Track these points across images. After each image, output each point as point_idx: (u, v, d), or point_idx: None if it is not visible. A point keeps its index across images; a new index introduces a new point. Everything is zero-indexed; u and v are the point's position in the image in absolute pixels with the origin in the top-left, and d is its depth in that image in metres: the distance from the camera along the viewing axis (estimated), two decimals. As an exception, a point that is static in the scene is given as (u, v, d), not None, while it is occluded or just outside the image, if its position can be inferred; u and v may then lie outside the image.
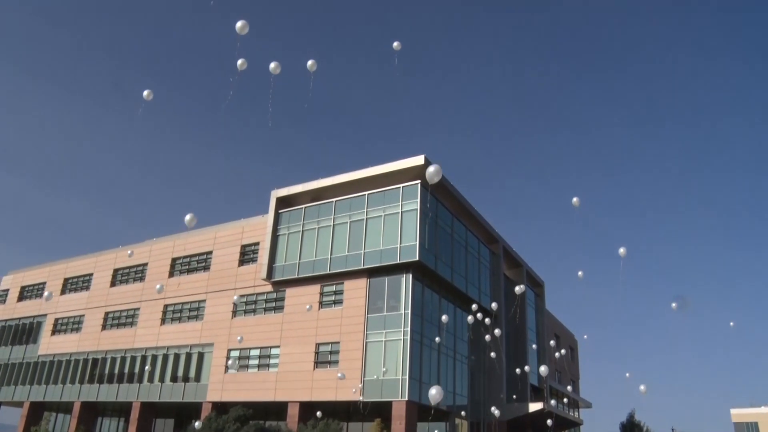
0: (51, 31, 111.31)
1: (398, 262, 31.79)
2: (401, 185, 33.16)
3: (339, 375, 29.88)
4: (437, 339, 31.66)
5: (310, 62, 16.30)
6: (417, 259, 31.14)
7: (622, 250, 21.45)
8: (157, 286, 28.64)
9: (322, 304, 34.11)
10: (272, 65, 15.33)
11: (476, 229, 40.03)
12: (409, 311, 31.14)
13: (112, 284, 45.95)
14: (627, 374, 29.22)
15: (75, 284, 48.97)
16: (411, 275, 31.80)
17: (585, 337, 32.77)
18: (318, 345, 33.18)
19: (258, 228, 38.33)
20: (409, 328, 30.74)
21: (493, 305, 28.46)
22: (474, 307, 28.30)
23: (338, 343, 32.46)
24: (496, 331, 30.30)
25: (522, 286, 24.66)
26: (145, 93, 16.13)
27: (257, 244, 38.03)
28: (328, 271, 33.95)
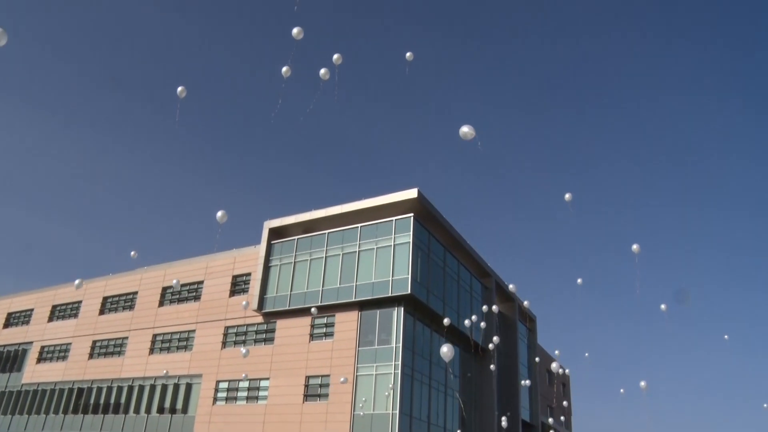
0: (51, 62, 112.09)
1: (390, 295, 31.69)
2: (394, 218, 33.23)
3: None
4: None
5: (335, 56, 16.37)
6: (409, 292, 31.06)
7: (635, 247, 21.47)
8: (174, 281, 29.03)
9: (312, 337, 33.87)
10: (284, 69, 15.73)
11: (468, 263, 40.03)
12: (401, 345, 30.95)
13: (101, 312, 45.51)
14: (621, 390, 29.07)
15: (63, 311, 48.48)
16: (402, 308, 31.68)
17: (587, 354, 32.41)
18: (308, 378, 32.85)
19: (250, 259, 38.21)
20: (400, 362, 30.52)
21: (495, 339, 28.38)
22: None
23: (328, 376, 32.17)
24: (491, 367, 30.14)
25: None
26: (179, 90, 16.42)
27: (249, 274, 37.88)
28: (319, 303, 33.78)
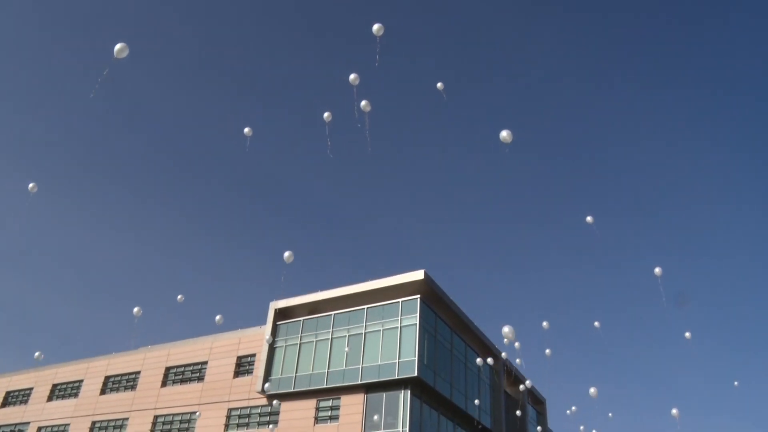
0: (59, 140, 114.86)
1: (396, 377, 31.31)
2: (400, 300, 33.24)
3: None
4: None
5: (363, 102, 16.96)
6: (416, 374, 30.70)
7: (657, 270, 21.59)
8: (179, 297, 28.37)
9: (317, 420, 33.24)
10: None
11: (476, 345, 39.69)
12: (407, 429, 30.31)
13: (102, 392, 44.81)
14: (609, 414, 28.52)
15: (63, 390, 47.73)
16: (409, 391, 31.22)
17: (610, 415, 31.74)
18: (312, 464, 32.02)
19: (255, 339, 37.98)
20: (407, 449, 29.81)
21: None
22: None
23: (333, 463, 31.37)
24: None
25: None
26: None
27: (254, 355, 37.55)
28: (324, 386, 33.34)
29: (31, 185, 17.01)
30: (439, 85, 19.18)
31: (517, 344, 27.01)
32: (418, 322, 32.03)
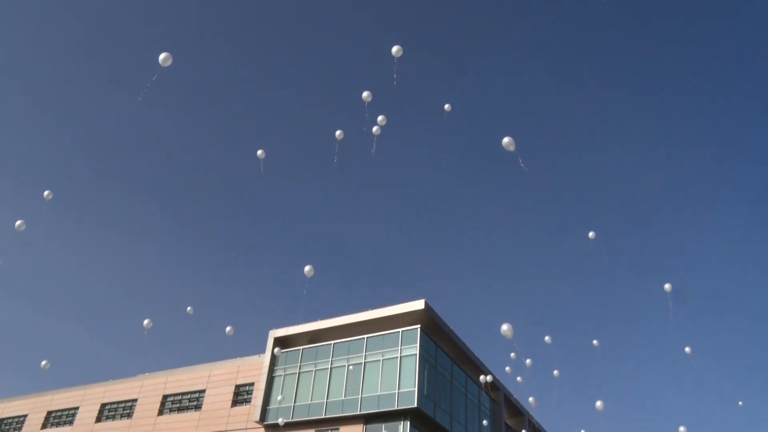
0: (64, 159, 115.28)
1: (396, 408, 31.01)
2: (401, 330, 33.08)
3: None
4: None
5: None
6: (416, 405, 30.41)
7: (667, 286, 21.51)
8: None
9: (315, 451, 32.84)
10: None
11: (476, 376, 39.32)
12: (407, 461, 29.95)
13: (98, 419, 44.27)
14: None
15: (58, 418, 47.16)
16: (409, 422, 30.87)
17: None
18: (310, 497, 31.56)
19: (254, 368, 37.69)
20: (406, 482, 29.41)
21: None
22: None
23: (331, 495, 30.92)
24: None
25: None
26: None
27: (252, 384, 37.23)
28: (323, 416, 32.99)
29: (46, 192, 17.02)
30: (446, 106, 19.35)
31: (512, 355, 26.91)
32: (418, 353, 31.84)
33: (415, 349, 32.08)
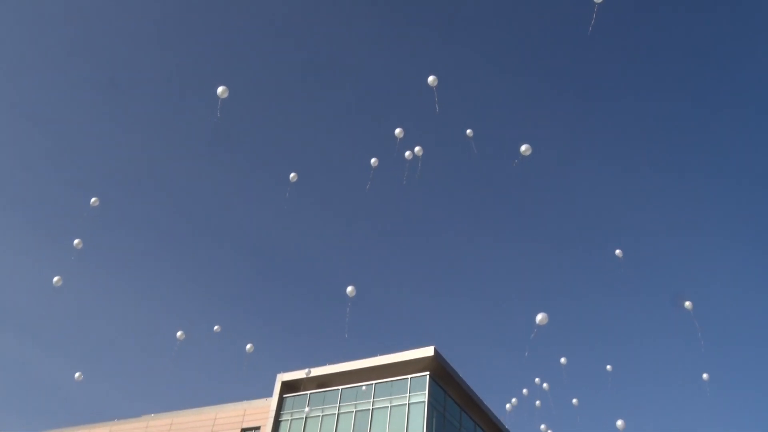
0: (73, 196, 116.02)
1: (404, 457, 30.62)
2: (409, 376, 32.83)
3: None
4: None
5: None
6: (423, 455, 30.02)
7: (688, 304, 21.24)
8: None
9: (321, 500, 32.33)
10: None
11: (485, 424, 38.84)
12: None
13: (102, 461, 43.86)
14: None
15: (62, 458, 46.79)
16: (416, 472, 30.46)
17: None
18: None
19: (261, 411, 37.35)
20: None
21: None
22: None
23: None
24: None
25: None
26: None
27: (258, 428, 36.83)
28: (329, 463, 32.59)
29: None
30: (468, 131, 19.45)
31: (524, 391, 26.42)
32: (426, 400, 31.53)
33: (423, 397, 31.79)
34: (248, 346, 19.16)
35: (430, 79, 18.01)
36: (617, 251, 23.76)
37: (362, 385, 32.96)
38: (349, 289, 22.14)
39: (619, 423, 24.19)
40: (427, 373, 32.47)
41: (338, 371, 35.16)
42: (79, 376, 24.73)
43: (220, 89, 16.61)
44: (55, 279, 16.91)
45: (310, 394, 35.76)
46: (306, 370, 32.76)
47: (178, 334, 25.34)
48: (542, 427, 24.46)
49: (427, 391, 31.83)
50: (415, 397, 32.14)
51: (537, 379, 27.00)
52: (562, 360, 26.72)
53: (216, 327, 25.46)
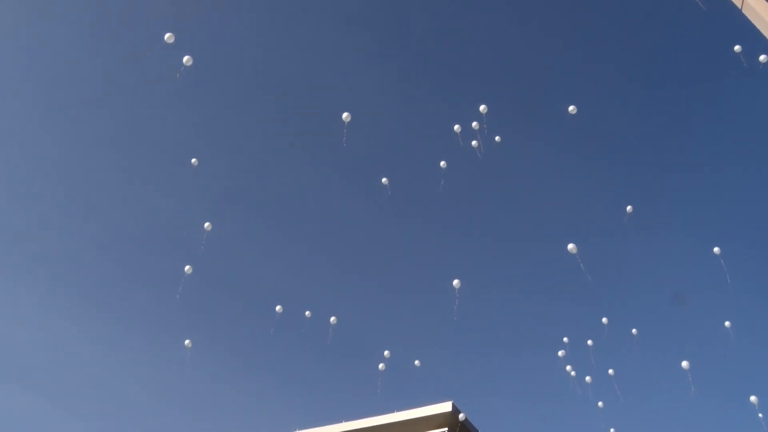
0: (90, 259, 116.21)
1: None
2: (427, 433, 31.67)
3: None
4: None
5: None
6: None
7: (684, 364, 19.89)
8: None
9: None
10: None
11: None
12: None
13: None
14: None
15: None
16: None
17: None
18: None
19: (274, 471, 36.20)
20: None
21: None
22: None
23: None
24: None
25: None
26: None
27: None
28: None
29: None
30: (474, 142, 18.81)
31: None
32: (445, 457, 30.30)
33: (442, 454, 30.57)
34: (278, 307, 17.49)
35: (482, 107, 17.58)
36: (715, 249, 21.08)
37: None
38: (456, 282, 19.96)
39: (684, 364, 22.49)
40: (446, 429, 31.27)
41: (353, 428, 34.07)
42: (188, 343, 19.70)
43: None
44: (186, 342, 16.18)
45: (325, 452, 34.58)
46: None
47: (186, 342, 22.11)
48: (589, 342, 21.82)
49: (446, 449, 30.60)
50: (433, 456, 30.93)
51: (588, 378, 24.26)
52: (587, 378, 24.29)
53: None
